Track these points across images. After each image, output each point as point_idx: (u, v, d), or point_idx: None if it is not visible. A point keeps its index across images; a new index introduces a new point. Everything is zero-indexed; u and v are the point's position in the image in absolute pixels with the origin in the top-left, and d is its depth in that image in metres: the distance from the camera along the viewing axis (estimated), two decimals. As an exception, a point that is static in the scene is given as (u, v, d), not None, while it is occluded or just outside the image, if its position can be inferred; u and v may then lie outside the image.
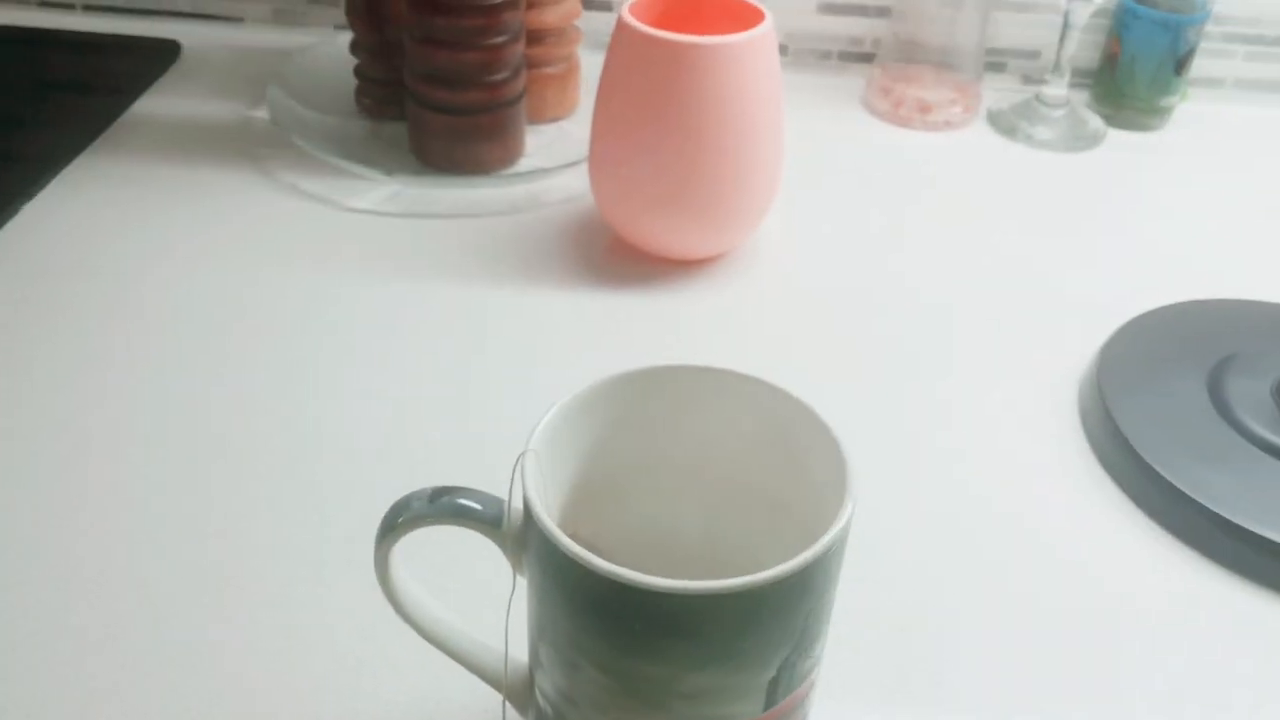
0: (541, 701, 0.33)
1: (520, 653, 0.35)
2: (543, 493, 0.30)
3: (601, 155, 0.61)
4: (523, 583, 0.32)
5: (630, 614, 0.28)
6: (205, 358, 0.55)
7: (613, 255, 0.64)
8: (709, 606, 0.27)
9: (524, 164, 0.71)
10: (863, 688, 0.41)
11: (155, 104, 0.77)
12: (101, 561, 0.44)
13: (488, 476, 0.48)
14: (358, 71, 0.74)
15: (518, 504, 0.32)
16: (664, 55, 0.55)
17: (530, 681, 0.34)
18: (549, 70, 0.74)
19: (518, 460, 0.30)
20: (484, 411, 0.52)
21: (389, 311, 0.59)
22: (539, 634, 0.31)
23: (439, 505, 0.31)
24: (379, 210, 0.67)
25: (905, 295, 0.62)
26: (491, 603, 0.34)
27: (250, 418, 0.51)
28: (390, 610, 0.35)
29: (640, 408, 0.35)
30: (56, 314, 0.57)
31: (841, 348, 0.58)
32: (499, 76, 0.66)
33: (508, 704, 0.36)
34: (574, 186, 0.69)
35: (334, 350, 0.56)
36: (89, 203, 0.66)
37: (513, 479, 0.30)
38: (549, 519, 0.29)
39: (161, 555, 0.44)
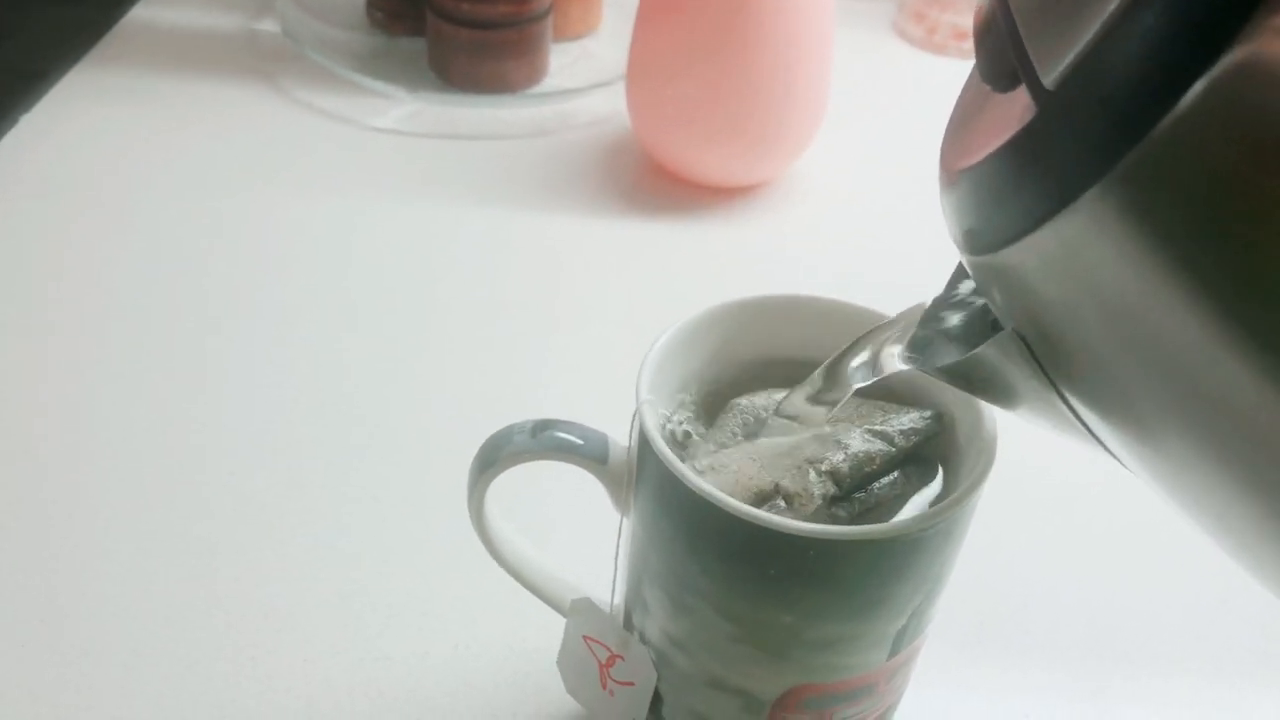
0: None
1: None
2: (661, 428, 0.28)
3: (641, 73, 0.58)
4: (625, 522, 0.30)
5: (766, 559, 0.26)
6: (216, 282, 0.52)
7: (647, 181, 0.61)
8: (854, 553, 0.25)
9: (549, 84, 0.67)
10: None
11: (150, 13, 0.72)
12: (120, 497, 0.41)
13: (514, 405, 0.46)
14: (369, -18, 0.70)
15: (622, 440, 0.30)
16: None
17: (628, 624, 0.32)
18: (572, -15, 0.71)
19: (636, 385, 0.28)
20: (513, 341, 0.50)
21: (413, 236, 0.55)
22: (647, 576, 0.29)
23: (542, 440, 0.29)
24: (400, 130, 0.63)
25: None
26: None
27: (263, 346, 0.48)
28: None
29: (739, 338, 0.32)
30: (60, 235, 0.54)
31: (891, 284, 0.56)
32: (527, -11, 0.63)
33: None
34: (603, 108, 0.66)
35: (353, 275, 0.53)
36: (87, 118, 0.62)
37: (635, 417, 0.27)
38: (674, 456, 0.26)
39: (182, 493, 0.41)
